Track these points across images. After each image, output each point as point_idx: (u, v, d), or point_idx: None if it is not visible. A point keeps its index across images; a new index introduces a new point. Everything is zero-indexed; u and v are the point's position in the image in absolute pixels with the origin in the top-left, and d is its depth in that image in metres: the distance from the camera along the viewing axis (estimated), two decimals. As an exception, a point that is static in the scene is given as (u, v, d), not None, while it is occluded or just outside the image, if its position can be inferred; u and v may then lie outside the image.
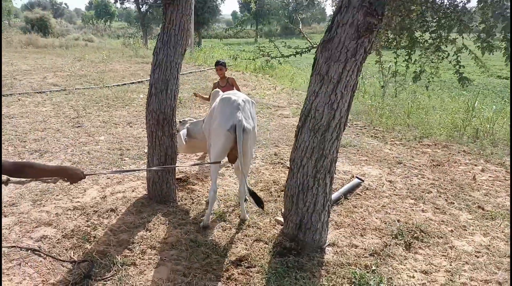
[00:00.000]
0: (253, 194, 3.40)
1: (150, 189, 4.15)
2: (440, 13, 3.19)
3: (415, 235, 3.61)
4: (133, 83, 11.74)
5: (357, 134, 7.34)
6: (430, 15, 3.29)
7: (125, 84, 11.42)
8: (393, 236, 3.60)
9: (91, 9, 60.88)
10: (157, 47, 3.88)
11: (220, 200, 4.23)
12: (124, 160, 5.31)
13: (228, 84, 5.72)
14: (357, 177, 4.92)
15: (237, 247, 3.32)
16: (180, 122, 4.56)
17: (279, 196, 4.36)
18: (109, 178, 4.64)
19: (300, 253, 3.23)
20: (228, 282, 2.85)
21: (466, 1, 3.32)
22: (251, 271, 2.98)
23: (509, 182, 4.99)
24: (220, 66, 5.69)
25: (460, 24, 3.10)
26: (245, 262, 3.08)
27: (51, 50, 20.11)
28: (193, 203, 4.15)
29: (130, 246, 3.18)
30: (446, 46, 3.33)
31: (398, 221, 3.90)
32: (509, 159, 5.80)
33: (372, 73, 13.79)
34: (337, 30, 2.94)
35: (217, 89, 4.53)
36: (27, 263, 2.86)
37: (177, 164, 4.46)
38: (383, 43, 3.78)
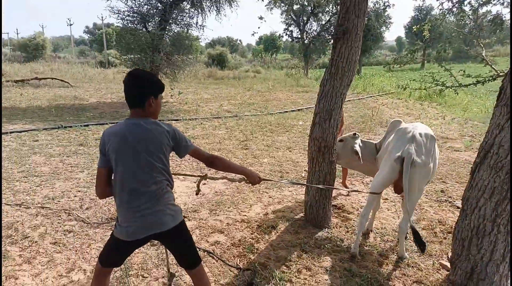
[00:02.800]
0: (415, 232, 3.22)
1: (307, 212, 4.32)
2: None
3: None
4: (293, 110, 12.51)
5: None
6: None
7: (286, 111, 12.27)
8: None
9: (260, 44, 67.86)
10: (324, 79, 4.07)
11: (377, 233, 4.07)
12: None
13: None
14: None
15: (394, 285, 3.13)
16: (354, 134, 4.35)
17: (445, 238, 3.93)
18: (270, 197, 5.04)
19: (471, 307, 2.83)
20: (384, 320, 2.71)
21: None
22: (410, 315, 2.76)
23: None
24: None
25: None
26: (403, 303, 2.88)
27: (226, 81, 23.25)
28: (347, 232, 4.11)
29: (287, 263, 3.37)
30: None
31: None
32: None
33: None
34: None
35: (399, 119, 4.14)
36: (204, 263, 3.35)
37: (336, 187, 4.49)
38: None
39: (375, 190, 3.55)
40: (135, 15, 13.28)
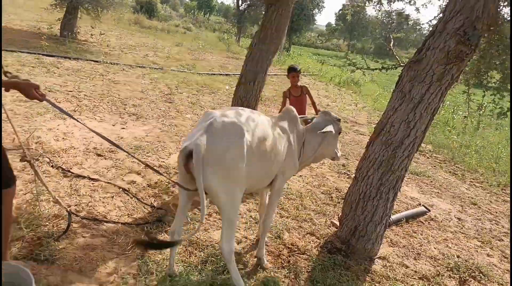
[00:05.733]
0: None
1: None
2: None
3: (473, 274, 3.54)
4: (221, 74, 12.53)
5: (435, 166, 7.16)
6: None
7: (214, 74, 12.25)
8: (449, 268, 3.57)
9: (193, 0, 64.91)
10: (253, 42, 4.28)
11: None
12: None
13: (302, 93, 4.93)
14: (424, 206, 4.88)
15: (291, 235, 3.58)
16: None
17: (339, 202, 4.52)
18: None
19: (349, 256, 3.38)
20: (277, 259, 3.13)
21: None
22: (300, 257, 3.22)
23: None
24: (294, 73, 4.86)
25: None
26: (295, 248, 3.34)
27: (154, 32, 22.04)
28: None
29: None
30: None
31: (458, 256, 3.83)
32: None
33: (464, 111, 13.12)
34: (427, 53, 3.05)
35: (291, 108, 3.22)
36: (118, 198, 3.42)
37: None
38: (474, 75, 3.77)
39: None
40: None
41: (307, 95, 4.99)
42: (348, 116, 10.32)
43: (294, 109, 3.16)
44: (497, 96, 3.62)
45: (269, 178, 2.84)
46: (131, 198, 3.49)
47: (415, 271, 3.39)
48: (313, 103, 5.05)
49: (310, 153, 3.15)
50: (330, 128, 3.10)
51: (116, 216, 3.19)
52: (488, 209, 5.42)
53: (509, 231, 4.75)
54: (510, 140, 6.55)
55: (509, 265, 3.88)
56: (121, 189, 3.58)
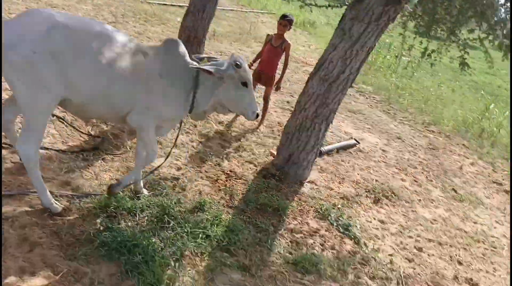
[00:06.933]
0: None
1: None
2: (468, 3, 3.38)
3: (386, 194, 4.09)
4: (173, 5, 11.87)
5: (371, 105, 7.59)
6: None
7: (165, 4, 11.58)
8: (367, 190, 4.07)
9: None
10: None
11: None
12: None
13: (279, 47, 4.58)
14: (355, 139, 5.30)
15: (230, 163, 3.80)
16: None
17: (279, 135, 4.76)
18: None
19: (282, 181, 3.70)
20: (215, 183, 3.36)
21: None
22: (237, 181, 3.48)
23: (491, 178, 5.34)
24: (282, 20, 4.50)
25: (482, 16, 3.30)
26: (233, 174, 3.58)
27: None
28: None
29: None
30: (460, 31, 3.55)
31: (376, 181, 4.35)
32: (501, 160, 6.11)
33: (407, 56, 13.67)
34: None
35: (178, 41, 2.63)
36: (52, 125, 3.37)
37: None
38: (407, 17, 4.00)
39: None
40: None
41: (284, 51, 4.60)
42: (299, 56, 10.41)
43: (181, 43, 2.58)
44: (443, 47, 3.90)
45: (111, 103, 2.36)
46: (66, 126, 3.44)
47: (338, 192, 3.83)
48: (285, 65, 4.71)
49: (203, 99, 2.59)
50: (210, 67, 2.44)
51: (49, 143, 3.16)
52: (410, 143, 6.01)
53: (423, 161, 5.36)
54: (509, 121, 7.17)
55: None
56: (55, 117, 3.51)
